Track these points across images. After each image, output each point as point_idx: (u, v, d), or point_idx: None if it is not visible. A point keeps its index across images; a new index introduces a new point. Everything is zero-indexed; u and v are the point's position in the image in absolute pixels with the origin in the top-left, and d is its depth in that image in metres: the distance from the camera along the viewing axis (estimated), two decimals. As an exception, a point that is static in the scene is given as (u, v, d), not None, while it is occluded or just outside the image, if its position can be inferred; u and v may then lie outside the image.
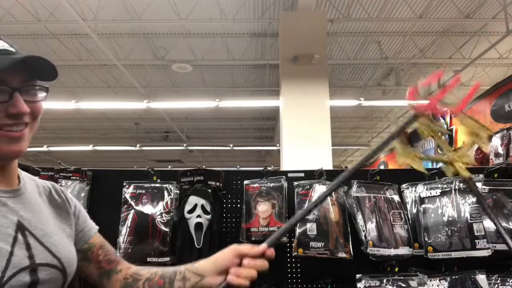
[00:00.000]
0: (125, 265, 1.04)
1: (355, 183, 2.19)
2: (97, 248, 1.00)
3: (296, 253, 2.07)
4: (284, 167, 5.09)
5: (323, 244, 2.04)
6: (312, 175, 2.26)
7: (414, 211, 2.11)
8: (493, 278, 1.88)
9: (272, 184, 2.21)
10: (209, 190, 2.20)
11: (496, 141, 3.87)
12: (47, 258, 0.80)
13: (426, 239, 1.96)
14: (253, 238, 2.14)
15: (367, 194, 2.16)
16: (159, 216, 2.11)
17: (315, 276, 2.17)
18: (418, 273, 1.95)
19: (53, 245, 0.83)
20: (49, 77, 0.82)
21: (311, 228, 2.07)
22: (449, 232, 1.91)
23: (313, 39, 5.45)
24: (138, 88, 7.99)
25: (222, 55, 7.32)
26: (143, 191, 2.16)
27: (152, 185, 2.19)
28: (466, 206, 1.92)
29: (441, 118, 5.95)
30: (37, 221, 0.82)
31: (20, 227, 0.77)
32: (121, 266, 1.03)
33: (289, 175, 2.30)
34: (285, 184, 2.21)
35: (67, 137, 12.71)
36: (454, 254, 1.86)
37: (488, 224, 1.94)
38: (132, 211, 2.11)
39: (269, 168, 2.32)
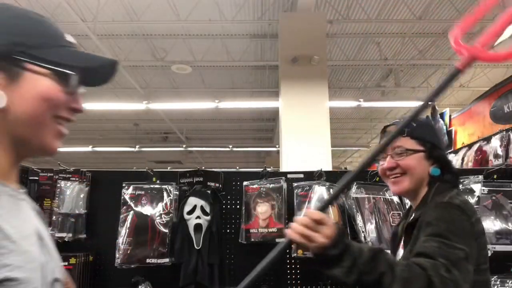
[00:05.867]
0: None
1: (355, 184, 2.19)
2: None
3: (296, 254, 2.07)
4: (284, 168, 5.09)
5: (322, 245, 2.04)
6: (312, 176, 2.26)
7: (414, 212, 2.11)
8: (493, 279, 1.88)
9: (271, 185, 2.21)
10: (209, 191, 2.20)
11: (496, 142, 3.88)
12: (59, 273, 0.73)
13: (426, 240, 1.96)
14: (253, 239, 2.14)
15: (367, 195, 2.16)
16: (159, 217, 2.11)
17: (315, 277, 2.17)
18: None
19: (57, 258, 0.76)
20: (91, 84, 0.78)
21: (310, 229, 2.07)
22: (449, 233, 1.91)
23: (312, 40, 5.46)
24: (138, 89, 7.98)
25: (221, 56, 7.32)
26: (143, 192, 2.16)
27: (152, 186, 2.19)
28: (466, 207, 1.93)
29: (439, 119, 5.95)
30: (43, 230, 0.75)
31: (39, 235, 0.69)
32: None
33: (289, 176, 2.30)
34: (285, 185, 2.21)
35: (66, 138, 12.60)
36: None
37: (488, 225, 1.94)
38: (132, 212, 2.11)
39: (268, 169, 2.32)
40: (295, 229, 1.00)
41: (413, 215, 1.26)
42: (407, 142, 1.26)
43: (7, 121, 0.65)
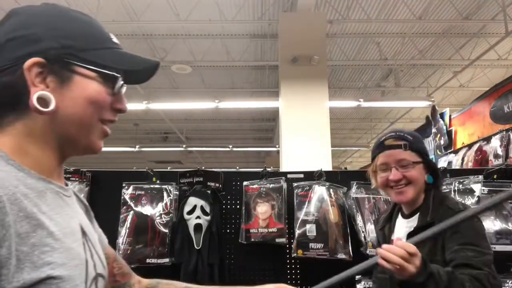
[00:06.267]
0: (137, 279, 0.99)
1: (355, 184, 2.19)
2: (112, 260, 0.90)
3: (295, 254, 2.07)
4: (284, 168, 5.09)
5: (322, 245, 2.04)
6: (312, 176, 2.26)
7: (414, 212, 2.11)
8: (493, 279, 1.87)
9: (271, 185, 2.21)
10: (209, 191, 2.20)
11: (496, 142, 3.88)
12: (101, 268, 0.74)
13: (426, 240, 1.96)
14: (253, 239, 2.14)
15: (367, 195, 2.16)
16: (159, 217, 2.11)
17: (314, 277, 2.17)
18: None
19: (100, 253, 0.77)
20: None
21: (310, 229, 2.07)
22: (449, 233, 1.91)
23: (312, 40, 5.46)
24: (138, 89, 7.98)
25: (221, 56, 7.32)
26: (143, 192, 2.16)
27: (152, 186, 2.19)
28: (466, 207, 1.93)
29: (439, 119, 5.95)
30: (88, 226, 0.75)
31: (83, 232, 0.70)
32: (134, 280, 0.97)
33: (289, 176, 2.30)
34: (285, 185, 2.21)
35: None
36: (454, 255, 1.87)
37: (488, 225, 1.94)
38: (132, 212, 2.11)
39: (268, 169, 2.32)
40: (390, 259, 1.08)
41: (417, 220, 1.38)
42: (410, 155, 1.38)
43: (56, 122, 0.66)
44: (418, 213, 1.39)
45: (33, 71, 0.63)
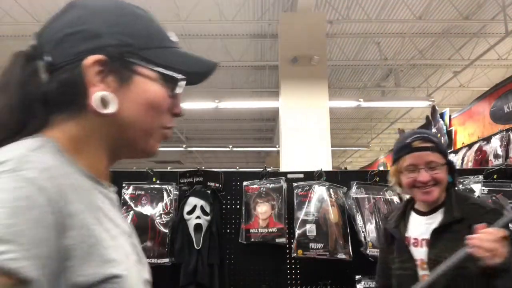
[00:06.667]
0: None
1: (355, 184, 2.19)
2: None
3: (295, 254, 2.07)
4: (284, 168, 5.09)
5: (322, 245, 2.04)
6: (312, 176, 2.26)
7: (414, 212, 2.11)
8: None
9: (271, 185, 2.21)
10: (209, 191, 2.20)
11: (496, 142, 3.88)
12: (147, 274, 0.69)
13: (426, 240, 1.96)
14: (253, 239, 2.14)
15: (367, 195, 2.16)
16: (159, 217, 2.11)
17: (315, 277, 2.17)
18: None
19: (145, 259, 0.72)
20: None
21: (310, 229, 2.07)
22: (449, 233, 1.91)
23: (312, 40, 5.46)
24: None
25: (221, 56, 7.32)
26: (143, 192, 2.16)
27: (152, 186, 2.19)
28: (466, 207, 1.93)
29: (439, 119, 5.95)
30: (132, 230, 0.71)
31: (130, 236, 0.67)
32: None
33: (289, 176, 2.30)
34: (285, 185, 2.21)
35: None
36: (454, 255, 1.87)
37: (488, 225, 1.94)
38: (132, 212, 2.11)
39: (268, 169, 2.32)
40: (485, 245, 1.11)
41: (441, 216, 1.42)
42: (437, 157, 1.44)
43: (113, 125, 0.62)
44: (442, 210, 1.43)
45: (94, 69, 0.58)
